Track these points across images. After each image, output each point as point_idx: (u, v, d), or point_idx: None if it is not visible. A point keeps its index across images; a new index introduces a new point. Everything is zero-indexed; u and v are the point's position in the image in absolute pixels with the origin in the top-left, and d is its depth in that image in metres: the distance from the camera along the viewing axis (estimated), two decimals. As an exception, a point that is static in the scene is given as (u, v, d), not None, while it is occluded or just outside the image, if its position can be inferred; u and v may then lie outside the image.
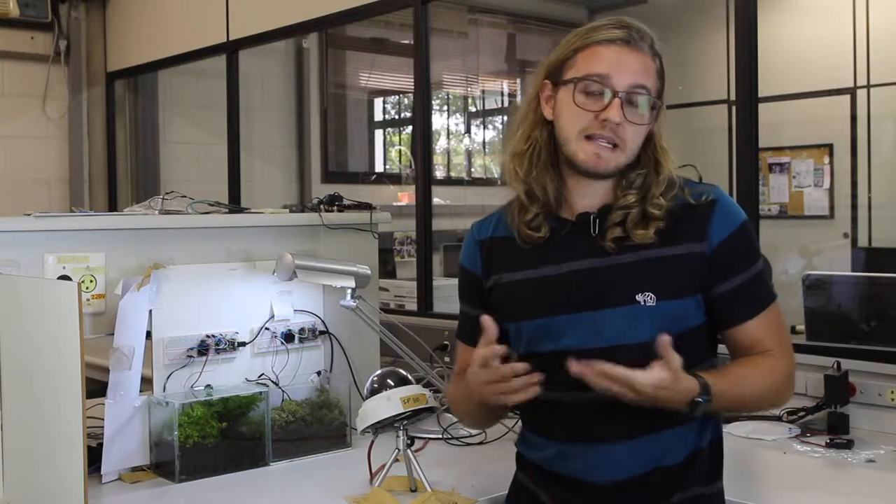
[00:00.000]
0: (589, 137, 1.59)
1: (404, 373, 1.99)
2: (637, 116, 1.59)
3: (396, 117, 6.71)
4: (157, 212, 2.45)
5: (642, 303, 1.57)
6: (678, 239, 1.60)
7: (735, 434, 2.32)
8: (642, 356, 1.48)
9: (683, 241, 1.60)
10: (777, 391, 1.65)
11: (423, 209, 3.59)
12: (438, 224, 4.08)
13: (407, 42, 4.53)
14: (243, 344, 2.30)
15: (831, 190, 5.62)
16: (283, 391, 2.30)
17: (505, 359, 1.53)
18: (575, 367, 1.46)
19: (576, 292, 1.61)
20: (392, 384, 1.93)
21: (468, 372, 1.59)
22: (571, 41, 1.64)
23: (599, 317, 1.59)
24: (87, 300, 2.16)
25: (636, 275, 1.59)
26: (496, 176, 6.54)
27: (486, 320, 1.56)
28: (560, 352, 1.59)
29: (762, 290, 1.64)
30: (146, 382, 2.16)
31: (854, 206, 5.35)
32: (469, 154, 6.76)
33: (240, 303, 2.31)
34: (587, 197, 1.65)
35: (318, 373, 2.40)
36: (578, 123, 1.60)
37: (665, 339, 1.46)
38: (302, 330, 2.40)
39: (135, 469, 2.13)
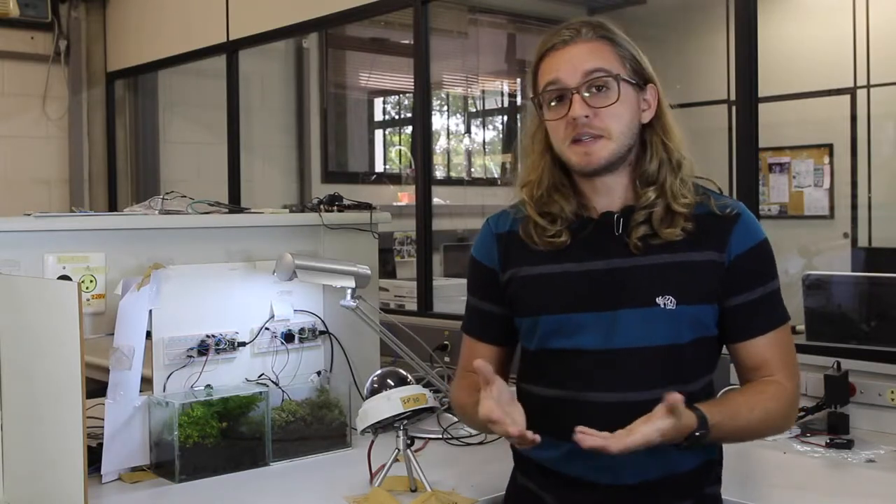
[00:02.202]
0: (575, 141, 1.61)
1: (404, 373, 1.99)
2: (604, 99, 1.60)
3: (396, 117, 6.71)
4: (157, 212, 2.45)
5: (662, 305, 1.57)
6: (701, 246, 1.61)
7: (735, 434, 2.32)
8: (654, 361, 1.47)
9: (706, 248, 1.61)
10: (779, 417, 1.63)
11: (423, 209, 3.59)
12: (438, 224, 4.09)
13: (407, 42, 4.52)
14: (243, 344, 2.30)
15: (831, 190, 5.62)
16: (283, 391, 2.30)
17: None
18: (588, 442, 1.41)
19: (595, 290, 1.60)
20: (392, 384, 1.93)
21: (479, 414, 1.52)
22: (533, 65, 1.67)
23: (616, 317, 1.58)
24: (87, 300, 2.16)
25: (658, 277, 1.59)
26: (496, 176, 6.54)
27: (480, 364, 1.51)
28: (573, 350, 1.60)
29: (775, 309, 1.64)
30: (146, 382, 2.16)
31: (854, 206, 5.35)
32: (469, 154, 6.75)
33: (240, 303, 2.31)
34: (605, 195, 1.66)
35: (318, 373, 2.40)
36: (559, 135, 1.63)
37: (675, 398, 1.42)
38: (302, 330, 2.40)
39: (135, 469, 2.12)
